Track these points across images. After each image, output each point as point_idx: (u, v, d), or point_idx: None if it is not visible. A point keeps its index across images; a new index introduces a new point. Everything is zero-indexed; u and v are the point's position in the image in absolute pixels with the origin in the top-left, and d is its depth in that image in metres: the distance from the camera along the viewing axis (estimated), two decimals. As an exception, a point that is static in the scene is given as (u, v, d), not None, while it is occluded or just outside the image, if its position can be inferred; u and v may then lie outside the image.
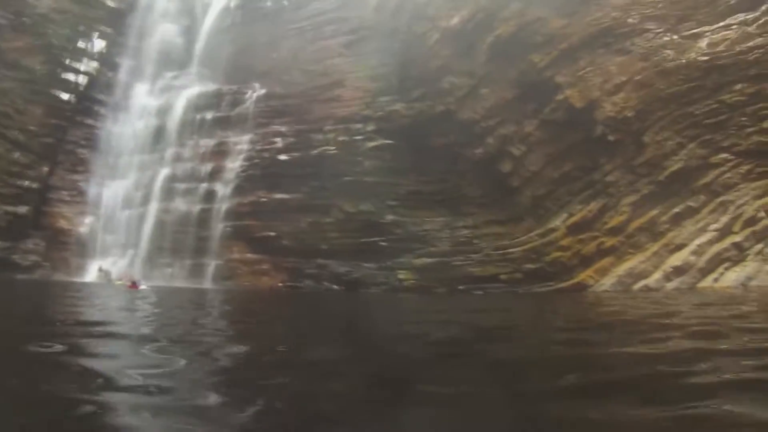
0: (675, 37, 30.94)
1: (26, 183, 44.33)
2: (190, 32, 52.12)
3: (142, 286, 34.27)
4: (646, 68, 31.01)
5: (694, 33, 30.87)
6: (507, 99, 35.71)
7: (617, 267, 31.22)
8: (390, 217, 39.62)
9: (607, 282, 31.02)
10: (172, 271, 42.43)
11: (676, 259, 29.64)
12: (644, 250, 30.82)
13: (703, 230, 29.81)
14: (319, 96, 44.61)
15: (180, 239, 43.09)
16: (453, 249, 37.24)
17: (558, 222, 33.63)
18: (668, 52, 30.79)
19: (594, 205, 32.46)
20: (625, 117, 31.10)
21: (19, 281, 37.79)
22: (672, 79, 30.66)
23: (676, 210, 30.48)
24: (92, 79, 48.55)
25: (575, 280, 32.13)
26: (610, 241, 31.55)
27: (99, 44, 49.61)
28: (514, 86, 35.32)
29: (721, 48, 30.15)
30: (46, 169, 45.68)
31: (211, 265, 42.07)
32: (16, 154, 44.11)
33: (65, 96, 47.35)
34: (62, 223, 45.10)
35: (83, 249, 44.73)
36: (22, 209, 43.56)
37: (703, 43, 30.53)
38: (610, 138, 31.66)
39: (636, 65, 31.27)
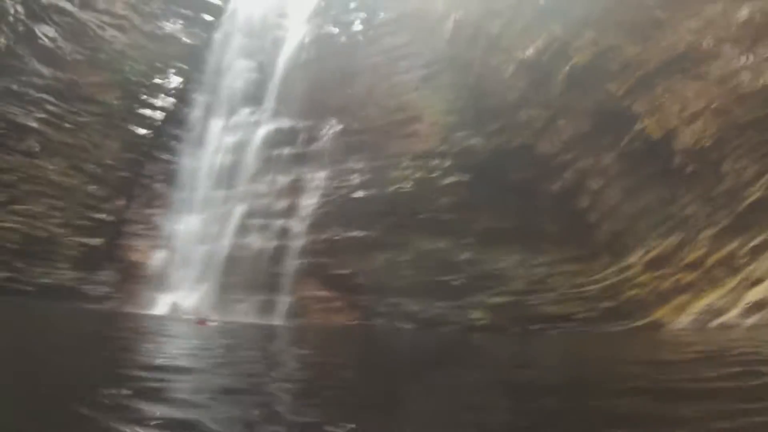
0: (751, 59, 30.32)
1: (102, 216, 46.12)
2: (265, 68, 53.56)
3: (212, 323, 34.87)
4: (723, 94, 30.34)
5: (770, 55, 30.24)
6: (584, 131, 35.49)
7: (694, 304, 30.39)
8: (465, 255, 39.68)
9: (684, 320, 30.23)
10: (243, 307, 43.13)
11: (755, 294, 28.59)
12: (722, 285, 29.89)
13: (783, 262, 28.93)
14: (395, 131, 45.23)
15: (253, 275, 43.86)
16: (528, 288, 37.02)
17: (635, 258, 33.05)
18: (744, 76, 30.18)
19: (672, 240, 31.77)
20: (703, 147, 30.53)
21: (89, 311, 39.00)
22: (749, 105, 29.90)
23: (756, 242, 29.51)
24: (169, 114, 50.36)
25: (651, 318, 31.46)
26: (687, 277, 30.75)
27: (175, 80, 51.43)
28: (591, 117, 35.09)
29: (798, 69, 29.46)
30: (122, 202, 47.58)
31: (284, 301, 42.67)
32: (93, 187, 46.06)
33: (142, 131, 49.23)
34: (135, 256, 46.68)
35: (155, 282, 45.99)
36: (96, 241, 45.33)
37: (779, 65, 29.88)
38: (689, 169, 31.11)
39: (713, 91, 30.64)
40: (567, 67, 35.21)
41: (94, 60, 47.43)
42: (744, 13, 30.60)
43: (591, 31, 34.22)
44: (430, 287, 39.49)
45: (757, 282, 28.79)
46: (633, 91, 33.23)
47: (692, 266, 30.67)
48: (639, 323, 31.67)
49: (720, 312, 29.16)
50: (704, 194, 31.13)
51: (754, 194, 29.76)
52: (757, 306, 28.21)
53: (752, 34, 30.38)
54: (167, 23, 52.21)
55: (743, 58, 30.36)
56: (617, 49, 33.41)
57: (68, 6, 46.78)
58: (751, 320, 28.05)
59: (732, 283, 29.59)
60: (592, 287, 34.44)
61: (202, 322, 34.39)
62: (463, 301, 38.30)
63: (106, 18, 48.67)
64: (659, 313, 31.17)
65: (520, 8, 37.74)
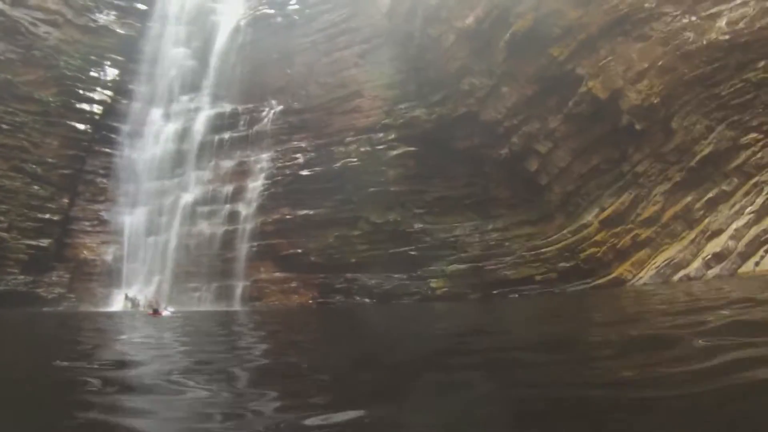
0: (693, 18, 30.84)
1: (47, 215, 44.94)
2: (202, 54, 52.66)
3: (166, 312, 34.40)
4: (668, 52, 30.94)
5: (712, 13, 30.71)
6: (529, 96, 35.79)
7: (654, 258, 31.11)
8: (418, 225, 39.83)
9: (646, 275, 30.90)
10: (199, 295, 42.82)
11: (715, 246, 29.44)
12: (681, 239, 30.69)
13: (739, 213, 29.58)
14: (338, 108, 45.10)
15: (206, 262, 43.56)
16: (484, 253, 37.32)
17: (590, 217, 33.61)
18: (688, 34, 30.71)
19: (626, 197, 32.40)
20: (651, 104, 31.04)
21: (45, 314, 38.15)
22: (695, 62, 30.58)
23: (710, 195, 30.34)
24: (107, 107, 49.16)
25: (612, 276, 32.08)
26: (645, 233, 31.46)
27: (112, 72, 50.22)
28: (534, 82, 35.38)
29: (741, 26, 30.01)
30: (66, 200, 46.45)
31: (239, 286, 42.48)
32: (35, 187, 44.83)
33: (81, 126, 47.88)
34: (86, 254, 45.73)
35: (108, 278, 45.30)
36: (44, 242, 44.18)
37: (722, 23, 30.38)
38: (637, 127, 31.60)
39: (657, 50, 31.22)
40: (508, 34, 35.35)
41: (28, 58, 45.89)
42: (684, -28, 31.19)
43: (531, -4, 34.41)
44: (386, 260, 39.51)
45: (716, 234, 29.54)
46: (576, 55, 33.65)
47: (648, 222, 31.38)
48: (600, 281, 32.38)
49: (681, 265, 29.96)
50: (655, 151, 31.84)
51: (706, 149, 30.55)
52: (717, 257, 29.01)
53: (693, -6, 30.98)
54: (100, 15, 50.71)
55: (686, 18, 30.87)
56: (558, 14, 33.67)
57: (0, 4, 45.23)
58: (712, 271, 28.82)
59: (690, 236, 30.39)
60: (549, 249, 34.90)
61: (155, 313, 33.88)
62: (421, 271, 38.47)
63: (38, 14, 47.01)
64: (619, 270, 31.87)
65: (458, -23, 37.74)
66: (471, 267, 37.20)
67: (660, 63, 31.02)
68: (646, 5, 31.64)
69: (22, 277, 42.56)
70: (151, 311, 34.47)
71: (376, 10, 44.49)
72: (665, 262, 30.40)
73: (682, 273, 29.71)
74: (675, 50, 30.76)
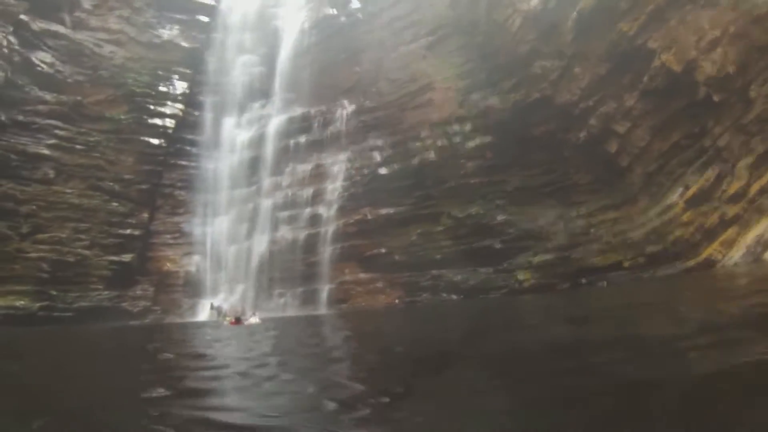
0: (761, -20, 29.87)
1: (128, 231, 46.56)
2: (268, 60, 53.61)
3: (252, 320, 34.86)
4: (739, 18, 29.94)
5: (781, -27, 29.71)
6: (602, 75, 35.37)
7: (744, 236, 30.21)
8: (501, 217, 39.78)
9: (736, 254, 30.04)
10: (285, 300, 43.60)
11: (807, 218, 28.57)
12: (769, 215, 29.80)
13: (832, 183, 28.65)
14: (410, 103, 45.25)
15: (289, 267, 44.42)
16: (570, 241, 37.10)
17: (675, 197, 32.93)
18: (757, -3, 29.74)
19: (710, 174, 31.60)
20: (727, 73, 30.15)
21: (131, 328, 39.16)
22: (767, 26, 29.56)
23: (797, 164, 29.42)
24: (179, 120, 50.50)
25: (702, 257, 31.29)
26: (732, 210, 30.60)
27: (180, 86, 51.43)
28: (606, 60, 34.94)
29: (812, -15, 28.94)
30: (145, 214, 48.01)
31: (324, 289, 43.19)
32: (114, 204, 46.47)
33: (155, 141, 49.37)
34: (168, 266, 47.29)
35: (193, 289, 46.75)
36: (126, 257, 45.77)
37: (791, -17, 29.36)
38: (715, 98, 30.79)
39: (728, 16, 30.26)
40: (575, 13, 35.05)
41: (95, 78, 47.62)
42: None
43: (595, -29, 33.83)
44: (470, 254, 39.58)
45: (808, 206, 28.58)
46: (646, 28, 33.02)
47: (735, 198, 30.50)
48: (689, 264, 31.60)
49: (772, 242, 28.97)
50: (735, 123, 30.91)
51: (789, 116, 29.47)
52: (810, 230, 28.03)
53: (760, -44, 29.94)
54: (163, 30, 52.23)
55: (753, -20, 29.91)
56: (624, -13, 33.01)
57: (61, 29, 46.91)
58: (806, 245, 27.88)
59: (780, 210, 29.39)
60: (635, 233, 34.42)
61: (237, 321, 34.35)
62: (507, 264, 38.46)
63: (101, 35, 48.78)
64: (709, 251, 31.10)
65: (521, -40, 37.41)
66: (557, 256, 37.00)
67: (732, 30, 30.08)
68: (713, -29, 30.77)
69: (107, 292, 44.25)
70: (233, 320, 35.04)
71: (439, 0, 44.37)
72: (755, 240, 29.50)
73: (773, 250, 28.86)
74: (746, 15, 29.75)
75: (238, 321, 34.43)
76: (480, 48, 41.70)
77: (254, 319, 35.18)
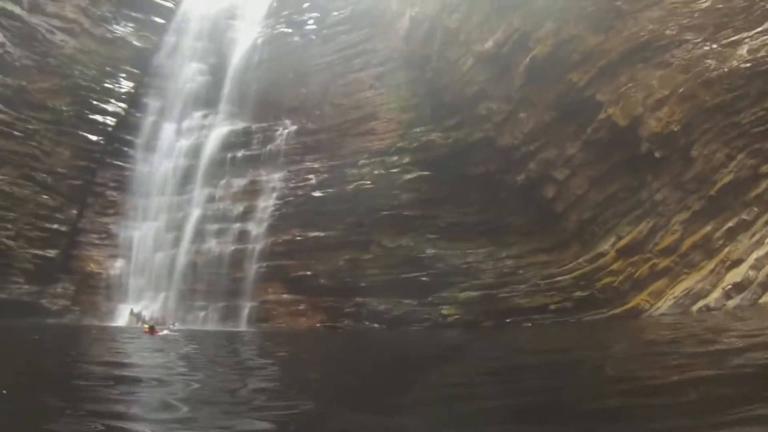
0: (714, 46, 30.83)
1: (55, 226, 45.13)
2: (217, 71, 53.02)
3: (167, 331, 34.16)
4: (688, 80, 30.86)
5: (733, 41, 30.72)
6: (547, 122, 35.67)
7: (673, 288, 30.80)
8: (430, 251, 39.55)
9: (664, 305, 30.57)
10: (205, 313, 42.69)
11: (735, 276, 29.22)
12: (700, 268, 30.44)
13: (759, 243, 29.49)
14: (352, 130, 45.19)
15: (213, 281, 43.45)
16: (498, 280, 37.00)
17: (607, 246, 33.29)
18: (709, 61, 30.66)
19: (644, 226, 32.10)
20: (671, 132, 30.89)
21: (48, 326, 38.03)
22: (716, 89, 30.51)
23: (730, 224, 30.17)
24: (120, 119, 49.55)
25: (629, 306, 31.67)
26: (663, 262, 31.16)
27: (126, 84, 50.67)
28: (553, 108, 35.27)
29: (762, 53, 29.99)
30: (74, 211, 46.65)
31: (246, 306, 42.19)
32: (44, 197, 45.06)
33: (93, 137, 48.16)
34: (92, 267, 45.91)
35: (114, 292, 45.39)
36: (51, 252, 44.41)
37: (743, 50, 30.37)
38: (657, 155, 31.42)
39: (678, 78, 31.13)
40: (527, 59, 35.34)
41: (43, 65, 46.44)
42: (706, 1, 31.16)
43: (551, 21, 34.39)
44: (397, 285, 39.19)
45: (736, 263, 29.33)
46: (596, 81, 33.56)
47: (667, 251, 31.11)
48: (616, 311, 32.01)
49: (700, 295, 29.71)
50: (674, 179, 31.65)
51: (725, 177, 30.43)
52: (738, 288, 28.76)
53: (714, 22, 31.05)
54: (118, 26, 51.40)
55: (707, 45, 30.83)
56: (578, 40, 33.68)
57: (17, 10, 45.72)
58: (732, 302, 28.58)
59: (710, 265, 30.18)
60: (564, 277, 34.57)
61: (151, 330, 33.42)
62: (432, 298, 38.14)
63: (56, 22, 47.65)
64: (636, 300, 31.53)
65: (479, 1, 37.75)
66: (484, 294, 36.83)
67: (681, 90, 30.93)
68: (667, 32, 31.60)
69: (27, 286, 42.74)
70: (147, 329, 34.01)
71: (393, 32, 44.75)
72: (684, 292, 30.10)
73: (701, 303, 29.43)
74: (696, 78, 30.68)
75: (152, 330, 33.44)
76: (428, 84, 41.87)
77: (170, 329, 34.48)
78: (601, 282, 32.78)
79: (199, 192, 47.63)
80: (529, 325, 34.22)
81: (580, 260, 34.33)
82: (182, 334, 32.85)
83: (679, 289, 30.41)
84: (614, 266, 32.52)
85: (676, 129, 30.85)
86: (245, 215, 45.23)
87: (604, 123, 33.13)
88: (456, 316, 37.02)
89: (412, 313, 38.40)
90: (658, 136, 31.27)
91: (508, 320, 35.30)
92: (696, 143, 30.90)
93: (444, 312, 37.54)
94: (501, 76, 37.19)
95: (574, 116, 34.55)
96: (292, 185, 45.07)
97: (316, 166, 45.38)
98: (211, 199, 46.97)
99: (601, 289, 32.72)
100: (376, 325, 39.05)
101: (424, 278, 38.98)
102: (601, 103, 33.27)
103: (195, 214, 46.44)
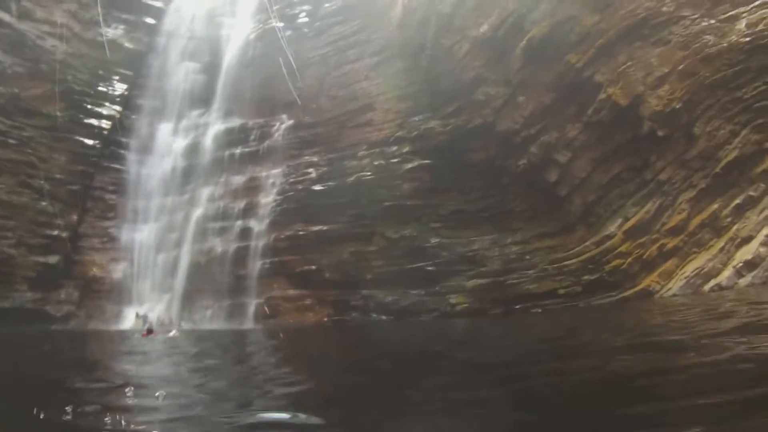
0: (712, 21, 30.20)
1: (55, 232, 44.78)
2: (211, 69, 52.73)
3: (175, 331, 33.98)
4: (688, 56, 30.32)
5: (731, 15, 30.03)
6: (546, 104, 35.21)
7: (683, 268, 30.36)
8: (435, 240, 39.22)
9: (675, 286, 30.14)
10: (211, 313, 42.39)
11: (745, 253, 28.72)
12: (709, 247, 29.95)
13: (768, 219, 29.04)
14: (349, 122, 44.73)
15: (217, 280, 43.10)
16: (505, 267, 36.66)
17: (613, 228, 32.91)
18: (708, 37, 30.07)
19: (650, 206, 31.68)
20: (673, 110, 30.40)
21: (54, 332, 37.92)
22: (716, 65, 29.94)
23: (737, 201, 29.62)
24: (115, 122, 49.27)
25: (639, 287, 31.31)
26: (671, 242, 30.75)
27: (120, 87, 50.27)
28: (552, 90, 34.81)
29: (761, 27, 29.31)
30: (74, 216, 46.28)
31: (252, 304, 41.95)
32: (43, 203, 44.72)
33: (89, 141, 47.81)
34: (95, 271, 45.64)
35: (118, 296, 45.08)
36: (53, 259, 44.12)
37: (741, 25, 29.70)
38: (659, 133, 30.96)
39: (677, 54, 30.59)
40: (524, 42, 34.83)
41: (35, 71, 45.92)
42: (702, -25, 30.70)
43: (547, 2, 33.86)
44: (403, 276, 38.95)
45: (746, 241, 28.91)
46: (594, 61, 33.06)
47: (675, 231, 30.68)
48: (627, 293, 31.63)
49: (711, 274, 29.25)
50: (678, 158, 31.18)
51: (730, 154, 29.92)
52: (749, 265, 28.33)
53: (711, -4, 30.46)
54: (108, 29, 50.74)
55: (705, 21, 30.35)
56: (575, 20, 33.14)
57: (6, 17, 45.17)
58: (744, 280, 28.15)
59: (719, 244, 29.70)
60: (572, 261, 34.25)
61: (148, 333, 33.22)
62: (440, 287, 37.85)
63: (45, 27, 47.12)
64: (646, 281, 31.15)
65: (472, -15, 37.29)
66: (491, 281, 36.54)
67: (680, 67, 30.40)
68: (664, 9, 31.01)
69: (30, 294, 42.57)
70: (145, 332, 33.80)
71: (387, 21, 44.25)
72: (695, 272, 29.63)
73: (713, 282, 28.94)
74: (695, 54, 30.14)
75: (149, 332, 33.21)
76: (424, 72, 41.40)
77: (173, 332, 34.24)
78: (609, 264, 32.41)
79: (198, 191, 47.41)
80: (539, 310, 33.97)
81: (587, 243, 33.99)
82: (186, 335, 32.61)
83: (690, 268, 29.95)
84: (622, 248, 32.13)
85: (677, 106, 30.35)
86: (246, 212, 44.90)
87: (605, 103, 32.64)
88: (464, 305, 36.71)
89: (420, 304, 38.10)
90: (659, 114, 30.79)
91: (517, 307, 35.03)
92: (698, 120, 30.39)
93: (452, 301, 37.24)
94: (498, 61, 36.71)
95: (574, 98, 34.09)
96: (292, 180, 44.65)
97: (315, 159, 44.97)
98: (211, 197, 46.63)
99: (609, 271, 32.36)
100: (383, 317, 38.77)
101: (430, 268, 38.66)
102: (600, 83, 32.77)
103: (196, 213, 46.12)
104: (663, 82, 30.88)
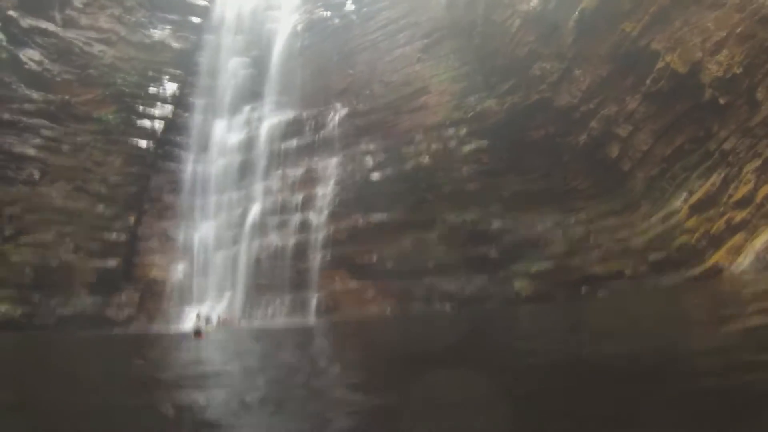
0: (768, -20, 29.09)
1: (113, 236, 45.73)
2: (261, 62, 53.26)
3: (209, 328, 33.93)
4: (745, 19, 29.07)
5: (786, -26, 28.92)
6: (603, 77, 34.54)
7: (752, 242, 29.24)
8: (497, 224, 38.85)
9: (745, 261, 29.04)
10: (273, 308, 42.45)
11: (818, 224, 27.66)
12: (780, 219, 28.89)
13: (840, 186, 27.78)
14: (404, 106, 44.58)
15: (278, 274, 43.23)
16: (569, 249, 36.11)
17: (679, 202, 31.93)
18: (763, -2, 28.96)
19: (715, 178, 30.55)
20: (734, 75, 29.21)
21: (114, 336, 38.18)
22: (774, 27, 28.80)
23: (807, 169, 28.55)
24: (168, 122, 50.14)
25: (708, 265, 30.22)
26: (739, 215, 29.54)
27: (171, 87, 51.11)
28: (608, 62, 34.11)
29: (818, -17, 28.16)
30: (132, 218, 47.15)
31: (314, 297, 41.92)
32: (100, 207, 45.70)
33: (143, 143, 48.79)
34: (154, 273, 46.30)
35: (179, 296, 45.53)
36: (112, 262, 44.99)
37: (798, -19, 28.58)
38: (721, 101, 29.81)
39: (734, 17, 29.39)
40: (576, 13, 34.25)
41: (84, 77, 46.97)
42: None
43: (597, -30, 33.10)
44: (465, 263, 38.58)
45: (817, 210, 27.77)
46: (649, 29, 32.17)
47: (742, 203, 29.45)
48: (695, 272, 30.46)
49: (781, 249, 28.09)
50: (741, 126, 29.93)
51: (797, 118, 28.67)
52: (821, 235, 27.20)
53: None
54: (155, 30, 51.74)
55: (759, -18, 29.18)
56: (627, -13, 32.31)
57: (51, 27, 46.28)
58: (816, 252, 27.04)
59: (790, 215, 28.52)
60: (637, 240, 33.43)
61: (197, 335, 32.54)
62: (502, 273, 37.36)
63: (91, 34, 48.19)
64: (715, 258, 29.96)
65: (520, -42, 36.72)
66: (556, 264, 36.05)
67: (738, 30, 29.21)
68: (718, -29, 30.00)
69: (91, 299, 43.36)
70: (194, 334, 32.98)
71: (435, 2, 44.01)
72: (764, 246, 28.58)
73: (784, 257, 27.92)
74: (752, 15, 28.90)
75: (199, 334, 32.60)
76: (477, 50, 40.99)
77: (209, 327, 34.22)
78: (676, 242, 31.42)
79: (255, 186, 47.69)
80: (606, 293, 33.19)
81: (652, 220, 33.14)
82: (248, 331, 32.47)
83: (759, 242, 28.79)
84: (688, 223, 31.08)
85: (738, 72, 29.15)
86: (305, 205, 45.03)
87: (663, 72, 31.72)
88: (529, 290, 36.25)
89: (483, 291, 37.82)
90: (720, 80, 29.67)
91: (583, 290, 34.34)
92: (760, 85, 29.09)
93: (516, 287, 36.78)
94: (551, 34, 36.20)
95: (632, 68, 33.30)
96: (349, 170, 44.70)
97: (371, 147, 44.90)
98: (268, 191, 46.87)
99: (677, 249, 31.35)
100: (447, 307, 38.35)
101: (493, 253, 38.24)
102: (657, 51, 31.86)
103: (254, 208, 46.44)
104: (721, 46, 29.74)
